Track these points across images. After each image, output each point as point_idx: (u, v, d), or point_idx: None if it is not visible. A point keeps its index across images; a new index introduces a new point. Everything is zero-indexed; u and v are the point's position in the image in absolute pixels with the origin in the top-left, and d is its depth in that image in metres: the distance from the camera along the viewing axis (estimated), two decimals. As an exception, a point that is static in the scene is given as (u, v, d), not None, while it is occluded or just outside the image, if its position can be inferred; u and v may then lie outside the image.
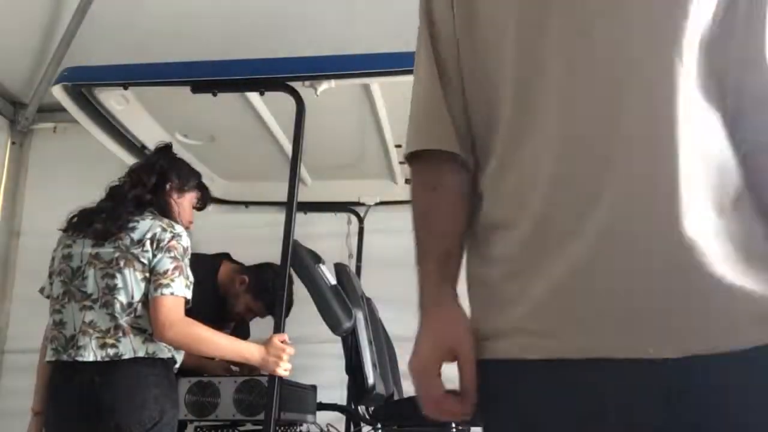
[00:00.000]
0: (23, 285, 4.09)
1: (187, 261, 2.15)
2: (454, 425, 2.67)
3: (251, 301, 2.92)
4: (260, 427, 2.20)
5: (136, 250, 2.09)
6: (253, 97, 2.62)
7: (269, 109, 2.75)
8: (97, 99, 2.59)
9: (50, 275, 2.22)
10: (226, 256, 3.07)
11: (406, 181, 3.55)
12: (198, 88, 2.41)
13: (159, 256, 2.09)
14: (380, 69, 2.42)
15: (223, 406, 2.43)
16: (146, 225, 2.14)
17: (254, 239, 3.52)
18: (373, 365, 2.71)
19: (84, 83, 2.51)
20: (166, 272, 2.07)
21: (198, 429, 2.55)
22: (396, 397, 3.12)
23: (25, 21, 3.91)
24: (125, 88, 2.50)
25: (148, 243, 2.10)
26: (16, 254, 4.17)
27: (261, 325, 2.99)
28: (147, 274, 2.09)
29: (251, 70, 2.42)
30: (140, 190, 2.24)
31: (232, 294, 2.92)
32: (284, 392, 2.34)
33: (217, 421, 2.44)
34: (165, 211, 2.24)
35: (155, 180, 2.28)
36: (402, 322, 3.65)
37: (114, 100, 2.63)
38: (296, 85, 2.37)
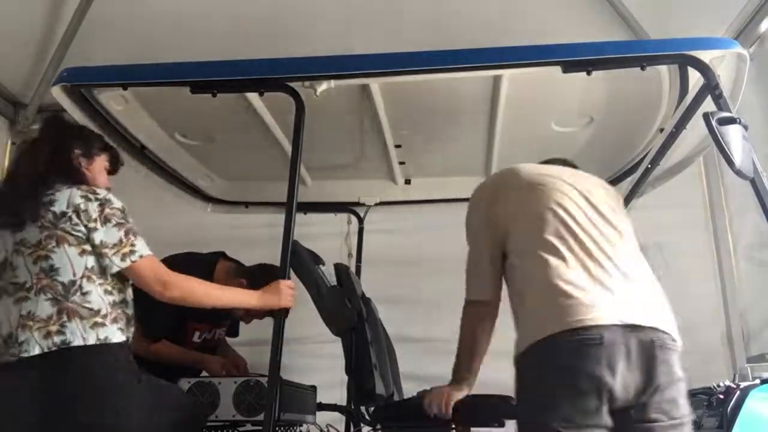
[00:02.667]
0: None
1: (131, 221, 2.04)
2: (453, 425, 2.67)
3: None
4: (260, 428, 2.19)
5: (65, 225, 1.95)
6: (253, 97, 2.61)
7: (269, 109, 2.75)
8: (97, 99, 2.58)
9: None
10: (222, 255, 3.06)
11: (406, 181, 3.55)
12: (197, 88, 2.40)
13: (99, 228, 1.96)
14: (380, 69, 2.41)
15: (223, 406, 2.43)
16: (65, 195, 1.99)
17: (254, 239, 3.53)
18: (373, 365, 2.71)
19: (83, 84, 2.50)
20: (120, 241, 1.98)
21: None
22: (396, 398, 3.12)
23: (25, 21, 3.92)
24: (124, 89, 2.49)
25: (74, 216, 1.96)
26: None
27: (261, 325, 2.99)
28: (85, 247, 1.96)
29: (251, 70, 2.41)
30: (40, 164, 2.07)
31: None
32: (284, 392, 2.34)
33: (216, 421, 2.43)
34: (77, 180, 2.08)
35: (52, 151, 2.12)
36: (402, 322, 3.67)
37: (113, 100, 2.62)
38: (296, 85, 2.37)
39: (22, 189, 2.03)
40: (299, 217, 2.31)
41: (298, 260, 2.49)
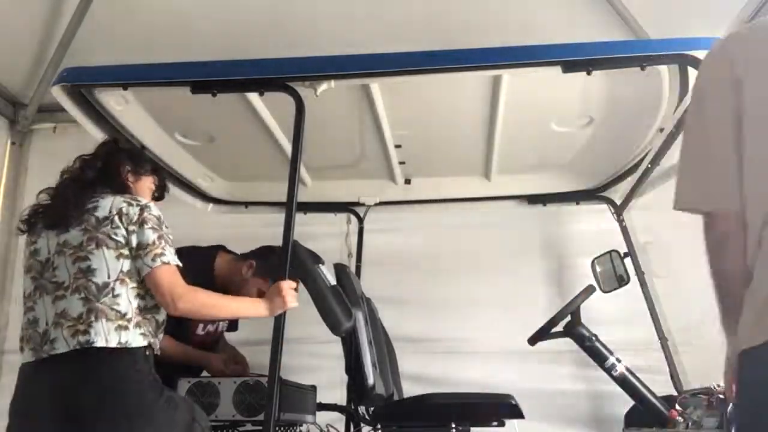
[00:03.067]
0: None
1: (165, 229, 2.11)
2: (453, 425, 2.67)
3: (263, 284, 2.88)
4: (260, 428, 2.19)
5: (106, 228, 2.02)
6: (253, 97, 2.62)
7: (269, 109, 2.75)
8: (97, 99, 2.59)
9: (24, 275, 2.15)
10: (221, 248, 3.05)
11: (406, 181, 3.55)
12: (197, 88, 2.40)
13: (137, 230, 2.04)
14: (380, 69, 2.41)
15: (223, 406, 2.43)
16: (108, 201, 2.08)
17: (254, 239, 3.52)
18: (373, 365, 2.71)
19: (83, 84, 2.50)
20: (153, 243, 2.03)
21: (198, 429, 2.55)
22: (396, 398, 3.12)
23: (25, 21, 3.92)
24: (125, 89, 2.50)
25: (116, 219, 2.03)
26: (16, 254, 4.17)
27: (261, 325, 2.98)
28: (123, 251, 2.03)
29: (251, 70, 2.41)
30: (89, 173, 2.20)
31: (237, 282, 2.89)
32: (284, 392, 2.34)
33: (216, 421, 2.43)
34: (122, 191, 2.19)
35: (102, 164, 2.25)
36: (402, 322, 3.67)
37: (113, 100, 2.63)
38: (296, 85, 2.37)
39: (69, 194, 2.14)
40: (299, 217, 2.31)
41: (298, 260, 2.49)
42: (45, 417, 1.93)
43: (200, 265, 2.83)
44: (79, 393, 1.93)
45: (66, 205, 2.10)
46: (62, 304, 1.99)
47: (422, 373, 3.69)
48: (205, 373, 2.85)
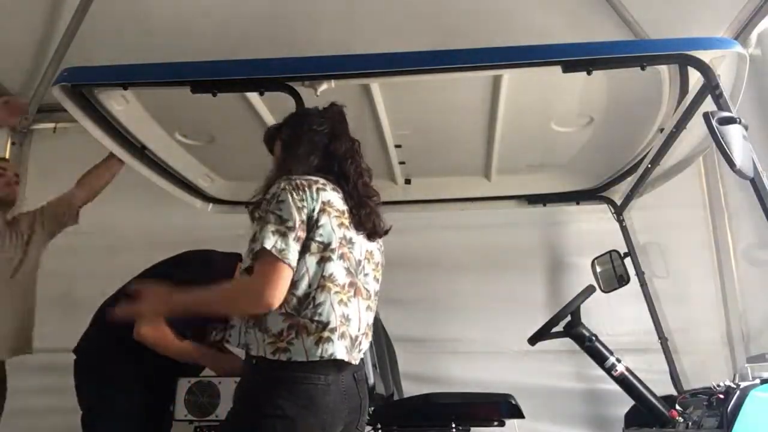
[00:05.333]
0: (23, 285, 4.09)
1: None
2: (454, 425, 2.67)
3: None
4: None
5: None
6: (253, 97, 2.62)
7: (269, 109, 2.75)
8: (97, 99, 2.59)
9: (307, 239, 1.88)
10: (238, 256, 3.02)
11: (406, 181, 3.55)
12: (198, 88, 2.40)
13: None
14: (380, 69, 2.41)
15: (223, 406, 2.43)
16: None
17: (254, 239, 3.52)
18: (373, 365, 2.71)
19: (84, 83, 2.50)
20: None
21: (198, 429, 2.55)
22: (396, 397, 3.12)
23: (25, 21, 3.92)
24: (125, 88, 2.49)
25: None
26: (16, 255, 4.16)
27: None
28: None
29: (251, 70, 2.41)
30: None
31: None
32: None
33: (217, 421, 2.44)
34: None
35: None
36: (402, 322, 3.67)
37: (114, 100, 2.63)
38: (296, 85, 2.37)
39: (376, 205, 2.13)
40: (299, 217, 2.30)
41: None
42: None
43: (226, 273, 2.80)
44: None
45: (378, 219, 2.08)
46: (369, 317, 1.93)
47: (422, 373, 3.70)
48: (204, 373, 2.85)
